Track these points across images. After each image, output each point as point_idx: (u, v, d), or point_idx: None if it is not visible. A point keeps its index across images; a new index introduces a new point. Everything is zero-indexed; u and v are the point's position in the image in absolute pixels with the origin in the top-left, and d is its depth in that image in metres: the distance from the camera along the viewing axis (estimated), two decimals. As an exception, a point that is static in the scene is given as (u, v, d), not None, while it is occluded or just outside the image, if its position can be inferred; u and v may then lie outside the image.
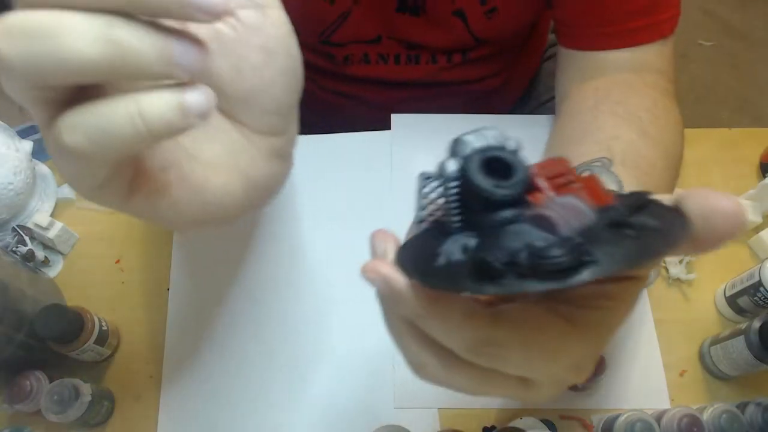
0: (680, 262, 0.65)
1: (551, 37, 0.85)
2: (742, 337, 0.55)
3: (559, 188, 0.22)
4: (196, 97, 0.18)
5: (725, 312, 0.63)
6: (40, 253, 0.65)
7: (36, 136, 0.71)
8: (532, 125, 0.70)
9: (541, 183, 0.22)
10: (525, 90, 0.88)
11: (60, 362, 0.59)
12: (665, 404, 0.59)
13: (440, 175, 0.23)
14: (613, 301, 0.26)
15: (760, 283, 0.57)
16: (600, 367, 0.56)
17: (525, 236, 0.20)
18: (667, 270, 0.65)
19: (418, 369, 0.26)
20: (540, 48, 0.85)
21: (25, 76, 0.18)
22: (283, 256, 0.66)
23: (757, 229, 0.67)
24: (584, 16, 0.57)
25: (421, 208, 0.24)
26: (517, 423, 0.57)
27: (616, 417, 0.54)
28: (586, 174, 0.23)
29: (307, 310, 0.63)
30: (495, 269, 0.19)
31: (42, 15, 0.17)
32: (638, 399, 0.59)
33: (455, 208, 0.22)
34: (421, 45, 0.68)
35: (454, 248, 0.22)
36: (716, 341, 0.59)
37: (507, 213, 0.21)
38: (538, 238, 0.20)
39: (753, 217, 0.66)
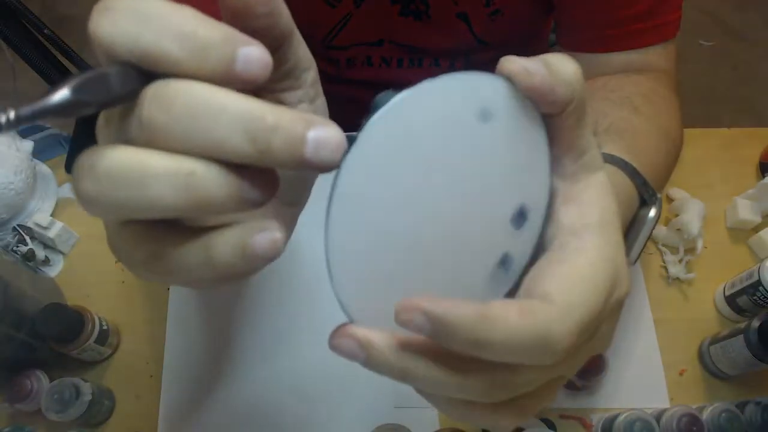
0: (680, 261, 0.65)
1: (551, 37, 0.85)
2: (741, 337, 0.55)
3: None
4: (262, 243, 0.19)
5: (724, 311, 0.63)
6: (40, 253, 0.65)
7: (36, 136, 0.71)
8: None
9: None
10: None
11: (60, 361, 0.59)
12: (665, 403, 0.59)
13: None
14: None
15: (759, 283, 0.58)
16: (600, 366, 0.56)
17: None
18: (666, 269, 0.65)
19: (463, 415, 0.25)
20: (541, 50, 0.85)
21: (105, 212, 0.19)
22: (284, 255, 0.66)
23: (757, 228, 0.67)
24: (587, 19, 0.57)
25: None
26: (516, 422, 0.57)
27: (616, 416, 0.54)
28: None
29: (308, 309, 0.63)
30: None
31: (127, 161, 0.18)
32: (638, 398, 0.59)
33: None
34: (423, 48, 0.68)
35: None
36: (715, 340, 0.59)
37: None
38: None
39: (752, 216, 0.67)
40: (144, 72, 0.18)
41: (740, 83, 1.72)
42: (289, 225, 0.30)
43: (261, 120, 0.18)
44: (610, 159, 0.37)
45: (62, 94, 0.17)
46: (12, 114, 0.17)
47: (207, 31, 0.18)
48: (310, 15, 0.63)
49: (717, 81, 1.72)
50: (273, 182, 0.19)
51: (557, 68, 0.23)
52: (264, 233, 0.19)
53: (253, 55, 0.18)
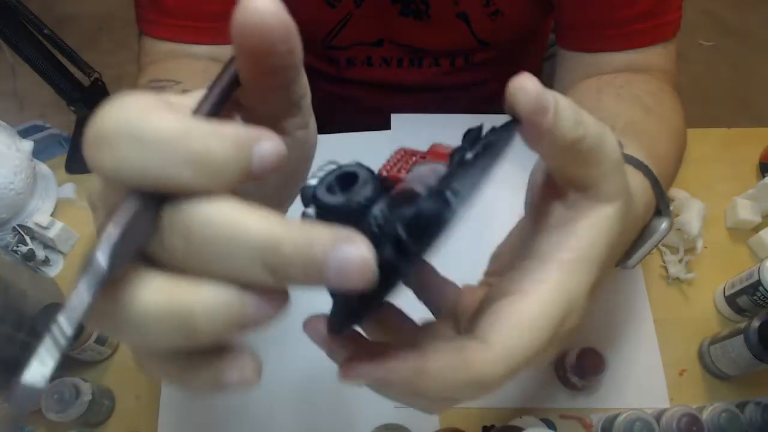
0: (680, 261, 0.65)
1: (551, 37, 0.85)
2: (741, 337, 0.55)
3: (407, 169, 0.23)
4: (234, 379, 0.19)
5: (724, 311, 0.63)
6: (40, 253, 0.65)
7: (36, 136, 0.71)
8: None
9: (393, 172, 0.23)
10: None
11: (60, 361, 0.59)
12: (665, 403, 0.59)
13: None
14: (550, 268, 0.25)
15: (759, 283, 0.58)
16: (600, 366, 0.56)
17: (396, 216, 0.21)
18: (666, 269, 0.65)
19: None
20: (541, 50, 0.85)
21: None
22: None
23: (757, 228, 0.67)
24: (587, 19, 0.58)
25: None
26: (516, 422, 0.57)
27: (616, 416, 0.54)
28: (442, 146, 0.24)
29: (308, 309, 0.63)
30: (391, 264, 0.19)
31: (139, 307, 0.17)
32: (638, 398, 0.59)
33: None
34: (423, 49, 0.68)
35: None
36: (715, 340, 0.59)
37: (375, 209, 0.21)
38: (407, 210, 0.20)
39: (752, 216, 0.67)
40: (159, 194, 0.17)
41: (740, 83, 1.72)
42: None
43: (278, 250, 0.17)
44: (636, 163, 0.37)
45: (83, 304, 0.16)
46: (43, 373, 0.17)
47: (219, 147, 0.17)
48: (310, 15, 0.63)
49: (717, 81, 1.72)
50: (285, 301, 0.19)
51: (561, 114, 0.23)
52: (235, 372, 0.19)
53: (267, 150, 0.18)
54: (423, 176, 0.22)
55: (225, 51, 0.58)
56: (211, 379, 0.19)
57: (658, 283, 0.65)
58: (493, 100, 0.81)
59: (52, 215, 0.67)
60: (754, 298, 0.59)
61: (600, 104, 0.51)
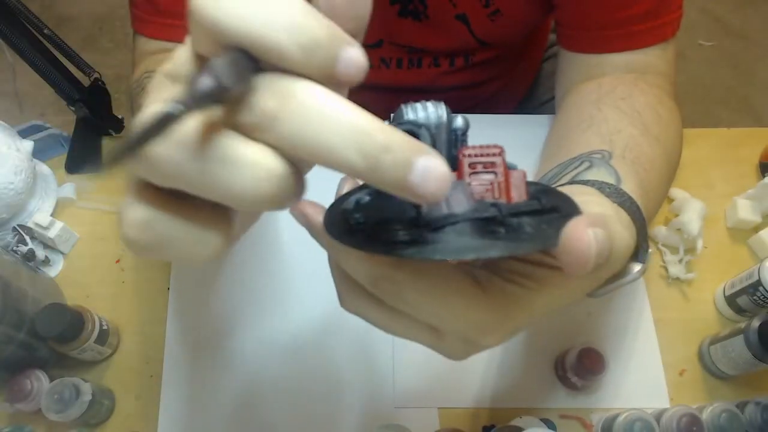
0: (680, 261, 0.65)
1: (551, 37, 0.85)
2: (741, 337, 0.55)
3: (474, 174, 0.24)
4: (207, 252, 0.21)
5: (725, 311, 0.63)
6: (40, 253, 0.65)
7: (36, 136, 0.71)
8: (533, 125, 0.70)
9: (464, 163, 0.24)
10: (526, 92, 0.88)
11: (60, 361, 0.59)
12: (665, 403, 0.59)
13: None
14: (533, 282, 0.27)
15: (759, 283, 0.58)
16: (599, 366, 0.56)
17: (396, 208, 0.23)
18: (666, 269, 0.65)
19: (339, 298, 0.29)
20: (541, 50, 0.85)
21: (162, 178, 0.19)
22: (284, 254, 0.66)
23: (757, 228, 0.67)
24: (587, 19, 0.58)
25: None
26: (516, 422, 0.57)
27: (616, 416, 0.54)
28: (523, 179, 0.24)
29: (308, 309, 0.63)
30: (350, 226, 0.22)
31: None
32: (638, 398, 0.59)
33: None
34: (423, 49, 0.68)
35: (353, 198, 0.25)
36: (715, 340, 0.59)
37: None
38: (398, 211, 0.23)
39: (752, 216, 0.67)
40: (250, 62, 0.18)
41: (740, 83, 1.72)
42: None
43: (373, 137, 0.17)
44: (628, 204, 0.37)
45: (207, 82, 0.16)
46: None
47: (315, 26, 0.17)
48: None
49: (717, 81, 1.72)
50: (304, 187, 0.21)
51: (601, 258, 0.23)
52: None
53: (354, 57, 0.18)
54: (454, 195, 0.23)
55: None
56: (187, 248, 0.20)
57: (658, 283, 0.65)
58: (493, 101, 0.81)
59: (52, 215, 0.67)
60: (754, 298, 0.59)
61: (601, 115, 0.52)
